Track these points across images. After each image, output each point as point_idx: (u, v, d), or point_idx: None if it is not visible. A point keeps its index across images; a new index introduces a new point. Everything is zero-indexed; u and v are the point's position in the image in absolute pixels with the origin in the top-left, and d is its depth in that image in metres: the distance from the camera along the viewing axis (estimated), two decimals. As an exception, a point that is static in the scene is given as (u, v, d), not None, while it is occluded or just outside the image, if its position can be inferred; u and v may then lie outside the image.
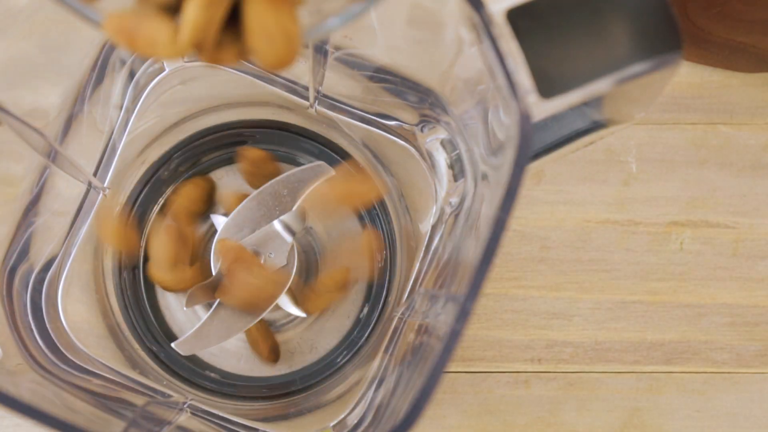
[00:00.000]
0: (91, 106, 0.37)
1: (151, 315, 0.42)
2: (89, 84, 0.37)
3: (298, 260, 0.38)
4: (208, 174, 0.42)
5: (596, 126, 0.33)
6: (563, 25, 0.28)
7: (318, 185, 0.38)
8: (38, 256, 0.38)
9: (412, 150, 0.40)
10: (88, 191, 0.39)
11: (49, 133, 0.35)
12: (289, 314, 0.41)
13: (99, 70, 0.37)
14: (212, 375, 0.41)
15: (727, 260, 0.44)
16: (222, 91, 0.42)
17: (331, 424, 0.38)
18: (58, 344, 0.37)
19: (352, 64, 0.37)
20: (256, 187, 0.39)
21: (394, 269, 0.42)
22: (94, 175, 0.39)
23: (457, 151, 0.36)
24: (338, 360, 0.42)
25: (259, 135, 0.43)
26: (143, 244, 0.42)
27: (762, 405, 0.42)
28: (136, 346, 0.41)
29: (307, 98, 0.39)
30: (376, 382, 0.38)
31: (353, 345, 0.42)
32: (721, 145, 0.45)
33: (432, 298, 0.34)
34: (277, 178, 0.38)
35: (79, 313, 0.40)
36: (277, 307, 0.39)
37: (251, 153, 0.41)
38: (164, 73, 0.40)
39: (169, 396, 0.38)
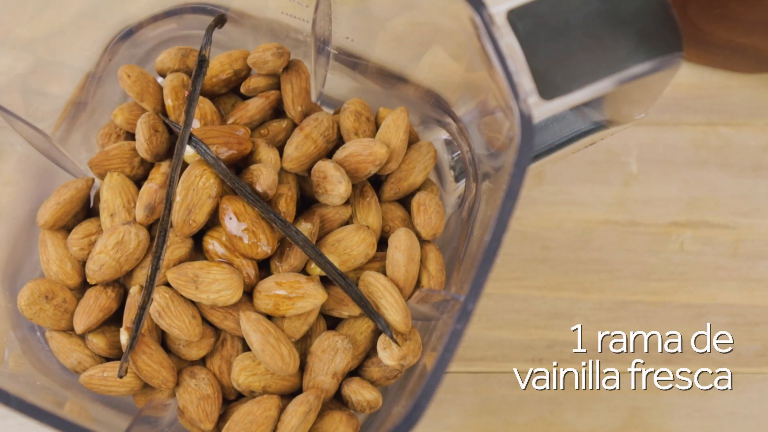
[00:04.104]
0: (94, 107, 0.37)
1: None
2: (92, 85, 0.37)
3: None
4: None
5: (597, 127, 0.34)
6: (564, 26, 0.28)
7: None
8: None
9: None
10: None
11: (52, 134, 0.35)
12: None
13: (102, 71, 0.37)
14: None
15: (727, 260, 0.44)
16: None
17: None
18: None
19: (354, 65, 0.37)
20: None
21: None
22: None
23: (459, 152, 0.36)
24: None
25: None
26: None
27: (762, 405, 0.42)
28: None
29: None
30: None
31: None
32: (721, 145, 0.45)
33: (433, 298, 0.34)
34: None
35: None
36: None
37: None
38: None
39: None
